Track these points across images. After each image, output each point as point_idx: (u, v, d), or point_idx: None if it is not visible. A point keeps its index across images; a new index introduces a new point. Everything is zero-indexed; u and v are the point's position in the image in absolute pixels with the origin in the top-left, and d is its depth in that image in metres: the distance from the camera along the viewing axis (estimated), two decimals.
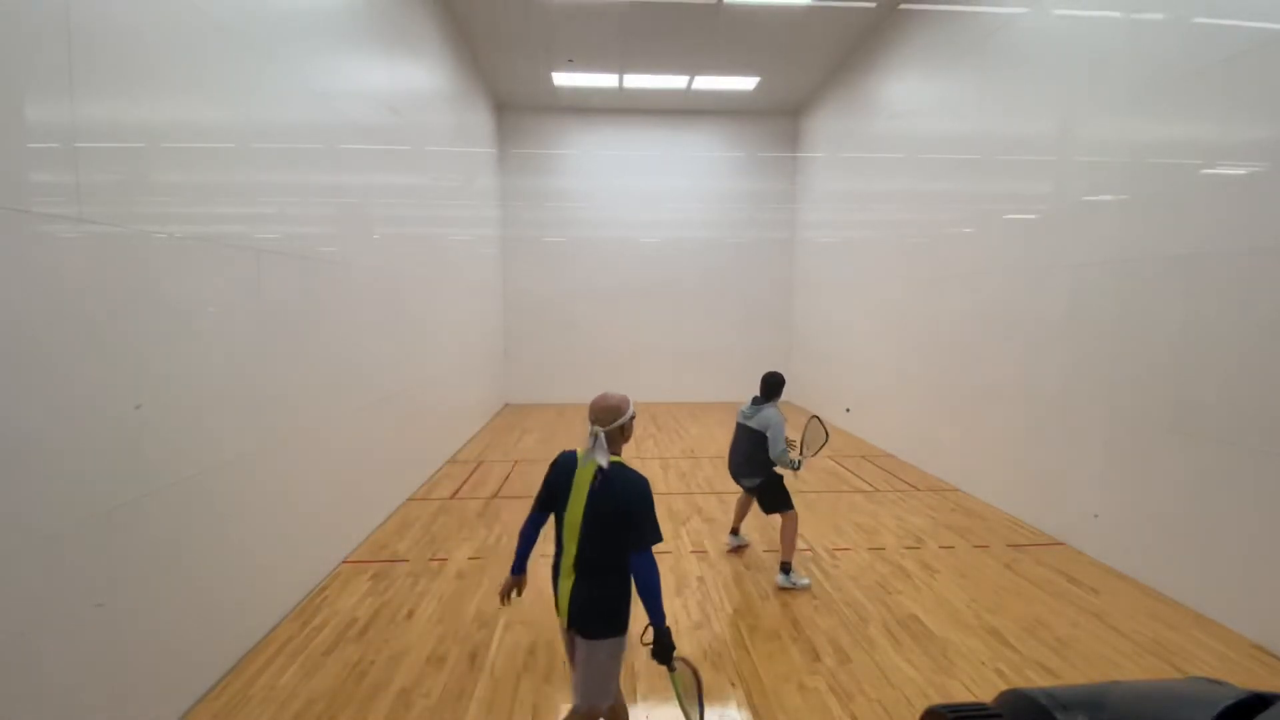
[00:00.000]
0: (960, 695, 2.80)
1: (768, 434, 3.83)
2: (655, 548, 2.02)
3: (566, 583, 2.09)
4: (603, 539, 2.04)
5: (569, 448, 2.24)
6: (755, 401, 4.01)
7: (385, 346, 5.10)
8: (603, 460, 2.05)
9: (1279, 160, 3.16)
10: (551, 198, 10.84)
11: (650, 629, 2.00)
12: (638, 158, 10.83)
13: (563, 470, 2.15)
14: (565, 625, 2.12)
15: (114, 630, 2.26)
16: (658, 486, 6.05)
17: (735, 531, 4.50)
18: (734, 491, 5.70)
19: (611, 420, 2.12)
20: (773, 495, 3.99)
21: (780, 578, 3.88)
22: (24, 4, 1.96)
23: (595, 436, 2.08)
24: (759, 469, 3.94)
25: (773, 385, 4.01)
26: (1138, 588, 3.86)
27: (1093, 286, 4.31)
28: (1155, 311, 3.84)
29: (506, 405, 10.85)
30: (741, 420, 4.05)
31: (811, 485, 5.96)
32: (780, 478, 4.00)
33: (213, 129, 2.90)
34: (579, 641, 2.08)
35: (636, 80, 9.36)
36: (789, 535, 3.89)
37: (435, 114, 6.71)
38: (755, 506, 4.26)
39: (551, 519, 2.21)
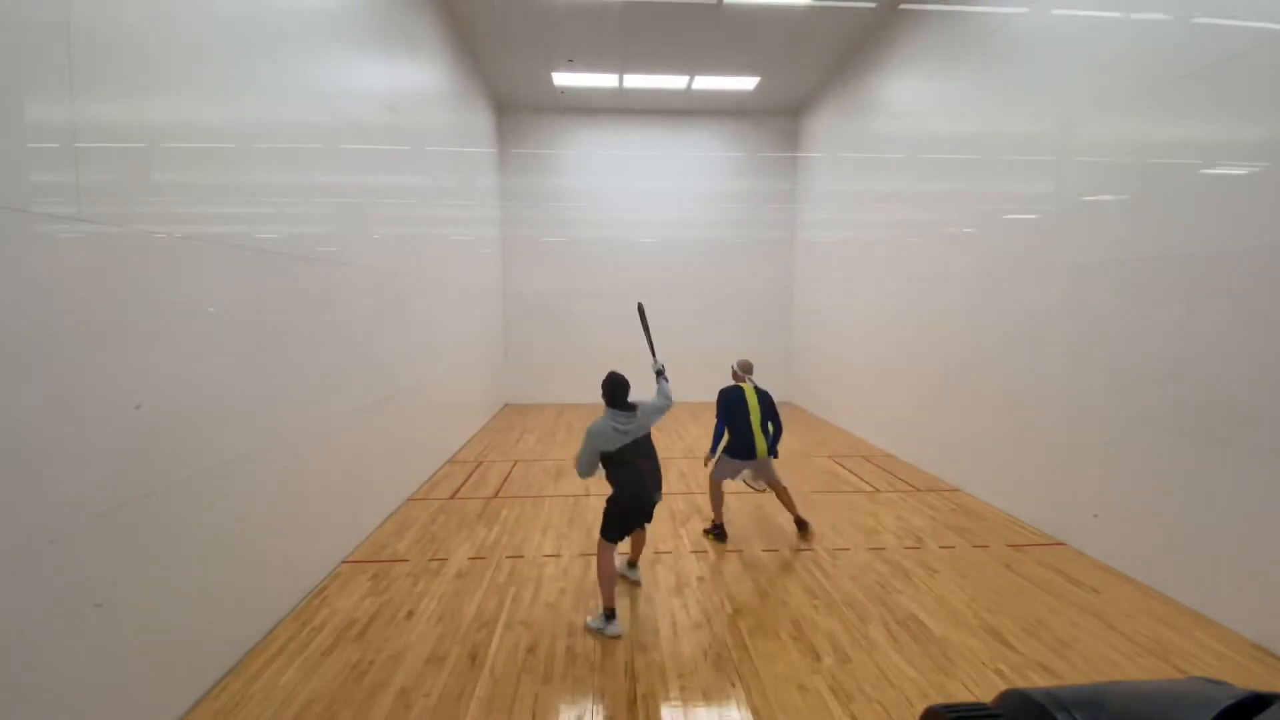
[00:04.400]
0: (960, 695, 2.80)
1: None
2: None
3: (761, 440, 4.49)
4: (763, 415, 4.56)
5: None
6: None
7: (385, 346, 5.10)
8: (756, 385, 4.76)
9: (1279, 160, 3.16)
10: (551, 198, 10.83)
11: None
12: (638, 158, 10.82)
13: (735, 393, 4.65)
14: (760, 457, 4.50)
15: (114, 630, 2.26)
16: None
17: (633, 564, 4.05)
18: (733, 490, 5.69)
19: (751, 369, 4.86)
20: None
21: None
22: (24, 4, 1.96)
23: (748, 377, 4.80)
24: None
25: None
26: (1138, 588, 3.86)
27: (1093, 286, 4.30)
28: (1155, 311, 3.84)
29: (506, 405, 10.85)
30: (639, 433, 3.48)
31: (812, 485, 5.96)
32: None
33: (213, 129, 2.90)
34: (766, 460, 4.56)
35: (636, 80, 9.35)
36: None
37: (435, 114, 6.71)
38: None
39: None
